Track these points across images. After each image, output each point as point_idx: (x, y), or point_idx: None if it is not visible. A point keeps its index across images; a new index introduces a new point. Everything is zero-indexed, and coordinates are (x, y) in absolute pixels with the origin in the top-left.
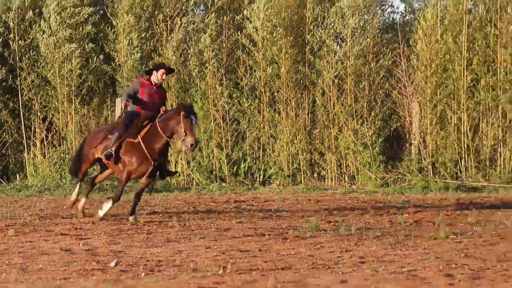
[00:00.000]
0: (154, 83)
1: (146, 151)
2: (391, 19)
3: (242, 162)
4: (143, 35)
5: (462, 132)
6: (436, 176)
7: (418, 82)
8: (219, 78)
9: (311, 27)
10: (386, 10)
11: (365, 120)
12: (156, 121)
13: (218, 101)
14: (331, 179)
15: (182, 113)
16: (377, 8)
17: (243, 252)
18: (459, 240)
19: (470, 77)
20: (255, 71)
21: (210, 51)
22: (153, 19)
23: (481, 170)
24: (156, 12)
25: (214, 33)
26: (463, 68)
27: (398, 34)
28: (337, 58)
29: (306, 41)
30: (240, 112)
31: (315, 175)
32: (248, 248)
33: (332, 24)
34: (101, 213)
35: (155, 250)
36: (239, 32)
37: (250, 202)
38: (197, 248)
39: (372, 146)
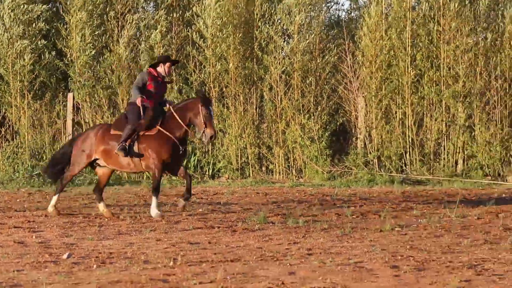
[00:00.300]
0: (161, 76)
1: (173, 137)
2: (336, 16)
3: (192, 156)
4: (96, 32)
5: (407, 126)
6: (382, 170)
7: (363, 78)
8: None
9: (259, 23)
10: (331, 7)
11: (312, 115)
12: (172, 110)
13: (168, 96)
14: (279, 172)
15: (200, 103)
16: (323, 5)
17: (193, 245)
18: (405, 232)
19: (414, 72)
20: (204, 66)
21: (161, 47)
22: (104, 16)
23: (425, 163)
24: (107, 8)
25: (164, 30)
26: (407, 64)
27: (343, 31)
28: (284, 54)
29: (254, 38)
30: None
31: (263, 168)
32: (198, 240)
33: (279, 21)
34: (154, 212)
35: (106, 242)
36: (188, 28)
37: (200, 195)
38: (147, 241)
39: (319, 140)
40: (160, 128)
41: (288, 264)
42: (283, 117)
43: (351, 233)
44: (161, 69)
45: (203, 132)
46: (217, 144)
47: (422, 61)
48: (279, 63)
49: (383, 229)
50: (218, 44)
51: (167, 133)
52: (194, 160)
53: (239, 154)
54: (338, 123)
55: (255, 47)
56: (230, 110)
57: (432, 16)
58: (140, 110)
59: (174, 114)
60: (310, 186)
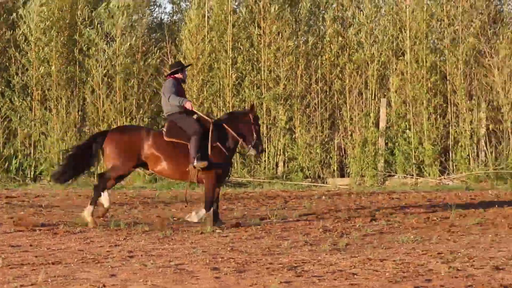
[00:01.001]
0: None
1: (227, 152)
2: (159, 19)
3: (13, 159)
4: None
5: None
6: None
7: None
8: None
9: (82, 27)
10: (154, 10)
11: (134, 118)
12: (223, 124)
13: None
14: None
15: (252, 117)
16: (146, 8)
17: (14, 247)
18: (226, 234)
19: (235, 75)
20: (27, 69)
21: None
22: None
23: (246, 165)
24: None
25: None
26: (228, 67)
27: (165, 34)
28: (106, 57)
29: (77, 41)
30: (12, 110)
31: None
32: (19, 243)
33: (102, 24)
34: (195, 218)
35: None
36: (12, 31)
37: (22, 198)
38: None
39: None
40: (218, 143)
41: (109, 267)
42: (105, 120)
43: (172, 235)
44: (181, 75)
45: (253, 145)
46: (39, 147)
47: (243, 64)
48: (101, 66)
49: (204, 231)
50: (41, 47)
51: (223, 148)
52: (15, 163)
53: (61, 156)
54: (159, 126)
55: (75, 50)
56: (52, 113)
57: (252, 20)
58: (194, 116)
59: (226, 127)
60: (132, 189)
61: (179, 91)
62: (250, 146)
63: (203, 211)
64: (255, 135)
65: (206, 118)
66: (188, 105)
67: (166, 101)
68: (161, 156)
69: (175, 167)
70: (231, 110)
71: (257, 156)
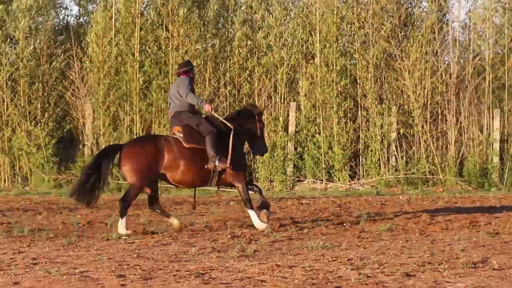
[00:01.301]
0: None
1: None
2: (65, 21)
3: None
4: None
5: (135, 133)
6: (109, 178)
7: (91, 84)
8: None
9: None
10: (60, 12)
11: (38, 122)
12: (226, 122)
13: None
14: (4, 180)
15: (257, 116)
16: (51, 10)
17: None
18: (132, 240)
19: (142, 79)
20: None
21: None
22: None
23: None
24: None
25: None
26: (136, 70)
27: (71, 36)
28: (10, 60)
29: None
30: None
31: None
32: None
33: (5, 26)
34: (258, 224)
35: None
36: None
37: None
38: None
39: (45, 147)
40: (238, 144)
41: (12, 274)
42: (9, 124)
43: (77, 242)
44: (191, 74)
45: (258, 146)
46: None
47: (150, 67)
48: (4, 69)
49: (110, 237)
50: None
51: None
52: None
53: None
54: (65, 130)
55: None
56: None
57: (160, 22)
58: (212, 123)
59: (237, 128)
60: (36, 194)
61: (194, 90)
62: (255, 146)
63: (250, 212)
64: (259, 137)
65: (226, 122)
66: (207, 108)
67: (177, 97)
68: (178, 164)
69: (196, 174)
70: (233, 110)
71: (261, 156)
